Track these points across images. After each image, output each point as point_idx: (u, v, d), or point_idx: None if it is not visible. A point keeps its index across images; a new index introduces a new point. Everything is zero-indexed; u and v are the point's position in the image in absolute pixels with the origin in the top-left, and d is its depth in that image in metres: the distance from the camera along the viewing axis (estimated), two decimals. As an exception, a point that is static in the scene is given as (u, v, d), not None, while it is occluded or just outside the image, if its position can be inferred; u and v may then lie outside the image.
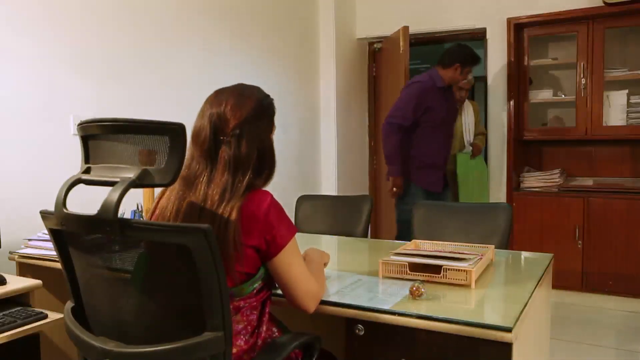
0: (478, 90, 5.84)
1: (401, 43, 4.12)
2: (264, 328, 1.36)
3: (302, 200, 2.99)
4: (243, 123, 1.29)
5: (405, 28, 4.14)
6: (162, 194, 1.38)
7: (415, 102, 3.29)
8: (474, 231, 2.35)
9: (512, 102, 4.04)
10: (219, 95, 1.34)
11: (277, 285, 1.38)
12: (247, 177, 1.28)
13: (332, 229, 2.78)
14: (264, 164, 1.34)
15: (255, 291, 1.34)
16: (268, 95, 1.40)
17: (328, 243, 2.46)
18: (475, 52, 3.40)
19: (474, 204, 3.06)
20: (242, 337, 1.32)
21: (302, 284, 1.34)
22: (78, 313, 1.24)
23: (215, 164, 1.29)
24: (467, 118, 4.10)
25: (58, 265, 1.28)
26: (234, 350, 1.29)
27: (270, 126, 1.38)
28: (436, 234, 2.35)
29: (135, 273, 1.12)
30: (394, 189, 3.34)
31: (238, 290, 1.30)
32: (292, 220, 2.84)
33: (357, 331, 1.41)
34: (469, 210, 2.48)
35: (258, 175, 1.33)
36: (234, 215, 1.24)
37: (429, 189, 3.37)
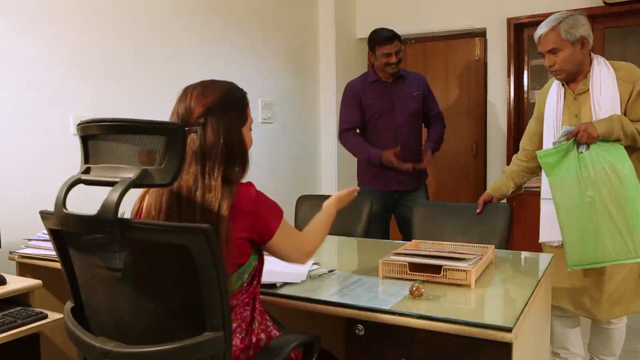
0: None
1: (477, 52, 4.17)
2: (257, 324, 1.36)
3: (302, 200, 2.99)
4: (207, 112, 1.30)
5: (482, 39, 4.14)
6: (144, 193, 1.38)
7: (350, 103, 3.23)
8: (474, 231, 2.36)
9: (512, 102, 4.04)
10: (185, 90, 1.36)
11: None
12: (218, 167, 1.28)
13: (332, 229, 2.77)
14: (234, 155, 1.32)
15: (245, 284, 1.34)
16: (240, 89, 1.41)
17: (328, 243, 2.46)
18: (376, 30, 3.19)
19: (474, 204, 2.89)
20: (237, 335, 1.32)
21: (299, 246, 1.45)
22: (78, 313, 1.25)
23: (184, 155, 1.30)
24: (600, 93, 2.16)
25: (58, 265, 1.28)
26: (232, 349, 1.29)
27: (240, 118, 1.37)
28: (436, 234, 2.37)
29: (125, 272, 1.12)
30: (393, 163, 3.03)
31: None
32: (292, 220, 2.85)
33: (357, 331, 1.41)
34: (469, 211, 2.50)
35: (231, 167, 1.32)
36: (224, 211, 1.24)
37: (381, 189, 3.22)
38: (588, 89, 2.18)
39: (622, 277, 2.17)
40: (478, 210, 2.47)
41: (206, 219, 1.23)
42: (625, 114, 2.11)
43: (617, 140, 2.06)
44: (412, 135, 3.23)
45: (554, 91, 2.30)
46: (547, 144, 2.26)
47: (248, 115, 1.40)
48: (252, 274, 1.36)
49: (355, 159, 3.40)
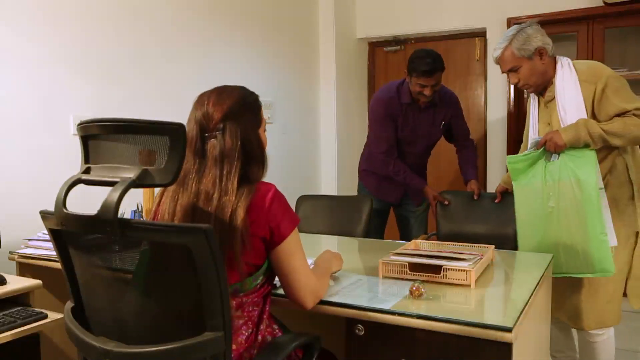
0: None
1: (477, 52, 4.22)
2: (264, 326, 1.37)
3: (302, 200, 2.99)
4: (225, 117, 1.32)
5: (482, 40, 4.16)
6: (160, 197, 1.39)
7: (385, 122, 2.95)
8: (493, 218, 2.61)
9: (512, 102, 4.04)
10: (201, 98, 1.38)
11: (277, 277, 1.40)
12: (236, 169, 1.30)
13: (332, 229, 2.79)
14: (251, 157, 1.35)
15: (258, 286, 1.35)
16: (252, 93, 1.43)
17: (328, 243, 2.46)
18: (419, 56, 2.76)
19: (491, 193, 2.76)
20: (243, 333, 1.32)
21: (302, 276, 1.36)
22: (78, 313, 1.25)
23: (204, 160, 1.32)
24: (564, 97, 2.12)
25: (58, 265, 1.28)
26: (234, 347, 1.29)
27: (255, 121, 1.39)
28: (457, 221, 2.68)
29: (137, 272, 1.12)
30: (432, 198, 2.89)
31: (242, 285, 1.31)
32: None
33: (357, 331, 1.41)
34: (487, 200, 2.72)
35: (248, 168, 1.34)
36: (241, 209, 1.26)
37: (382, 198, 3.15)
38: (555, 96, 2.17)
39: (610, 287, 2.13)
40: (497, 200, 2.61)
41: (220, 223, 1.24)
42: (595, 116, 2.07)
43: (588, 145, 2.01)
44: (423, 160, 3.19)
45: (532, 100, 2.33)
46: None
47: (262, 117, 1.43)
48: (266, 277, 1.38)
49: (356, 160, 3.37)
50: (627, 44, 3.89)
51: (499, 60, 2.23)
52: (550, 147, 2.06)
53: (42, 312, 1.82)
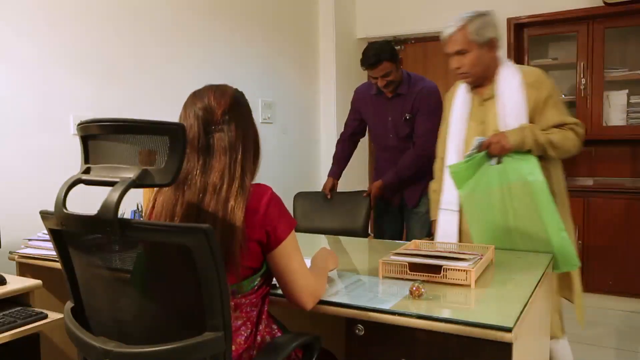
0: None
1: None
2: (263, 326, 1.37)
3: (300, 197, 2.98)
4: (229, 109, 1.32)
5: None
6: (154, 200, 1.37)
7: (352, 111, 3.20)
8: None
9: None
10: (196, 94, 1.37)
11: (275, 279, 1.39)
12: (239, 160, 1.30)
13: (331, 226, 2.78)
14: (251, 147, 1.35)
15: (255, 287, 1.35)
16: (237, 89, 1.44)
17: (328, 243, 2.46)
18: (364, 50, 2.85)
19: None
20: (242, 333, 1.32)
21: (300, 278, 1.35)
22: (78, 313, 1.24)
23: (210, 153, 1.30)
24: (507, 98, 2.05)
25: (58, 265, 1.28)
26: (233, 348, 1.29)
27: (250, 113, 1.40)
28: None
29: (134, 273, 1.12)
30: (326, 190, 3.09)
31: (239, 287, 1.30)
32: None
33: (357, 331, 1.41)
34: None
35: (246, 161, 1.33)
36: (239, 212, 1.25)
37: (386, 198, 3.13)
38: (495, 95, 2.08)
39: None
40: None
41: (219, 220, 1.24)
42: (531, 122, 2.01)
43: (529, 150, 1.95)
44: (399, 155, 3.03)
45: (460, 96, 2.19)
46: (452, 151, 2.17)
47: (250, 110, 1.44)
48: (264, 278, 1.37)
49: (355, 160, 3.39)
50: (627, 44, 3.89)
51: (449, 39, 2.05)
52: (494, 150, 1.95)
53: (42, 312, 1.82)
